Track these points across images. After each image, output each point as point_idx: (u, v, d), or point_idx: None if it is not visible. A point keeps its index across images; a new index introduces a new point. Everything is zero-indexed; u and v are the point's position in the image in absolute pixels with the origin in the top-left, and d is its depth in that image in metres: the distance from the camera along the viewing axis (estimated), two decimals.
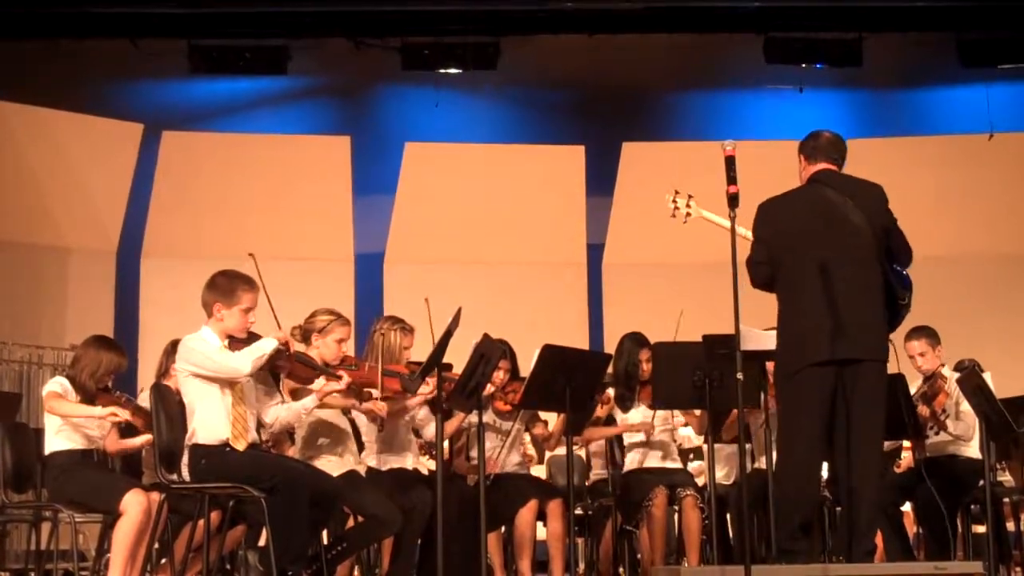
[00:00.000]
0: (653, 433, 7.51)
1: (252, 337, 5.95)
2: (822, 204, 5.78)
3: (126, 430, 6.70)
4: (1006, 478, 8.36)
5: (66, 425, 6.34)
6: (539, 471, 8.58)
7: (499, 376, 7.18)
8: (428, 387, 6.33)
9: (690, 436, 8.65)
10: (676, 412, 7.66)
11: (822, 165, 5.92)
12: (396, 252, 12.48)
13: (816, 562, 5.80)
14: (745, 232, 5.97)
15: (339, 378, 6.17)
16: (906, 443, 8.20)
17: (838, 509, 6.97)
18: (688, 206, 7.69)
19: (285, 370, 6.09)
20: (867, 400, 5.62)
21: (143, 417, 6.50)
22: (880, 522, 5.83)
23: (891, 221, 5.86)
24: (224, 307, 5.88)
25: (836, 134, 6.04)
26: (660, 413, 7.51)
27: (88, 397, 6.38)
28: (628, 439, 7.68)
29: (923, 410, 7.28)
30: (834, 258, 5.66)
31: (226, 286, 5.91)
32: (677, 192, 7.73)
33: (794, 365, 5.60)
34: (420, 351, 6.57)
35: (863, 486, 5.59)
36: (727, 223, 7.15)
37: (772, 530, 5.79)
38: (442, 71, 12.37)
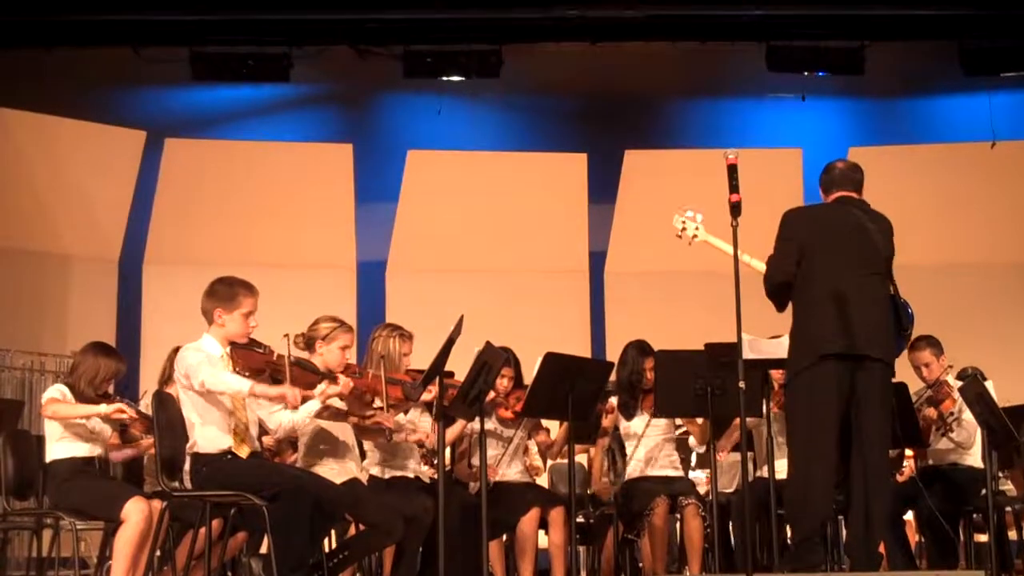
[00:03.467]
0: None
1: (253, 343, 5.95)
2: (848, 219, 5.91)
3: (125, 436, 6.71)
4: (1008, 487, 8.36)
5: (67, 432, 6.34)
6: (541, 479, 8.57)
7: (503, 384, 7.18)
8: (430, 394, 6.32)
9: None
10: (677, 420, 7.67)
11: (839, 192, 6.05)
12: (398, 260, 12.48)
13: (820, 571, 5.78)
14: (750, 260, 6.04)
15: (338, 381, 6.15)
16: (908, 452, 8.18)
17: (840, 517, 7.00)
18: (696, 228, 7.67)
19: (287, 378, 6.07)
20: (877, 402, 5.68)
21: (144, 423, 6.50)
22: (882, 532, 5.82)
23: (894, 251, 6.01)
24: (225, 312, 5.89)
25: (850, 163, 6.19)
26: (661, 422, 7.51)
27: (88, 404, 6.38)
28: (630, 448, 7.66)
29: (931, 412, 7.29)
30: (855, 268, 5.80)
31: (226, 292, 5.93)
32: (688, 213, 7.71)
33: (810, 357, 5.63)
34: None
35: (874, 492, 5.60)
36: (730, 249, 7.18)
37: (790, 538, 5.77)
38: (445, 79, 12.38)
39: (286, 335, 6.02)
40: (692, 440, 8.10)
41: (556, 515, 7.20)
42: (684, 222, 7.55)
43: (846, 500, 5.77)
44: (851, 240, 5.84)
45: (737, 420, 6.74)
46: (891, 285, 5.94)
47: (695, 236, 7.53)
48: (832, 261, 5.79)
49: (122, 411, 6.29)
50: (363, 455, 6.84)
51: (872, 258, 5.85)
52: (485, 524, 6.27)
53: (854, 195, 6.04)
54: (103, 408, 6.28)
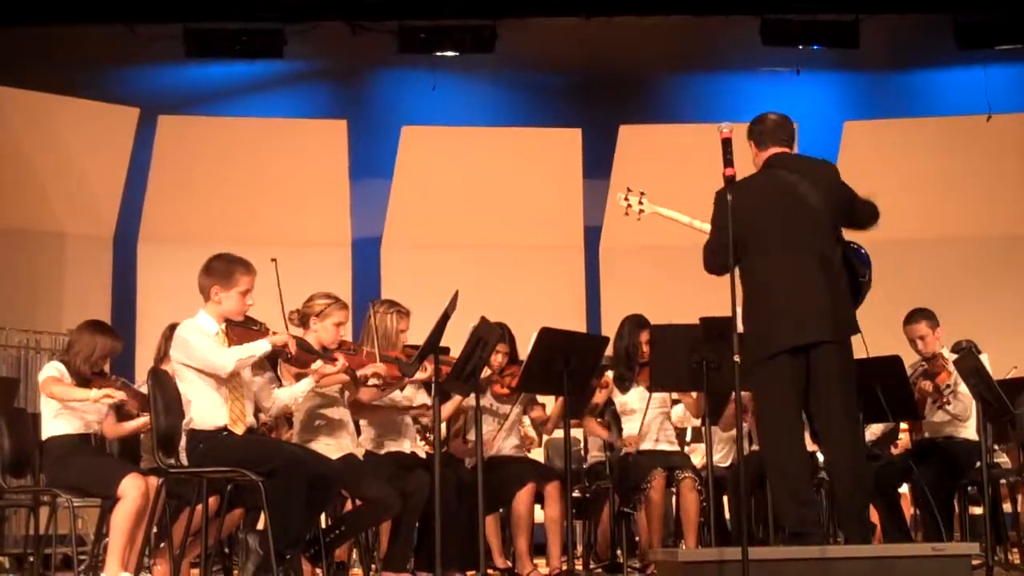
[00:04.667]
0: (634, 449, 7.47)
1: (249, 320, 5.95)
2: (779, 188, 5.77)
3: (121, 414, 6.71)
4: (1003, 460, 8.38)
5: (64, 410, 6.34)
6: (537, 454, 8.59)
7: (497, 359, 7.19)
8: (425, 372, 6.32)
9: (684, 416, 8.64)
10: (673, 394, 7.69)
11: (773, 149, 5.91)
12: (393, 236, 12.47)
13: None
14: (701, 225, 5.99)
15: (335, 360, 6.16)
16: (903, 424, 8.20)
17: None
18: (640, 203, 7.72)
19: (283, 356, 6.08)
20: (837, 383, 5.63)
21: (140, 401, 6.50)
22: (866, 502, 5.83)
23: (850, 192, 5.87)
24: (222, 290, 5.88)
25: (782, 115, 6.03)
26: (656, 395, 7.52)
27: (83, 382, 6.37)
28: (626, 422, 7.68)
29: (926, 385, 7.30)
30: (794, 242, 5.69)
31: (223, 269, 5.91)
32: (629, 190, 7.75)
33: (763, 352, 5.60)
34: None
35: (836, 464, 5.66)
36: (680, 217, 7.15)
37: (783, 513, 5.78)
38: (439, 54, 12.36)
39: (273, 259, 6.00)
40: (680, 411, 8.10)
41: (552, 490, 7.21)
42: (627, 198, 7.60)
43: (829, 478, 5.79)
44: (788, 213, 5.69)
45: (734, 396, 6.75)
46: (841, 242, 5.81)
47: (642, 211, 7.59)
48: (772, 242, 5.68)
49: (110, 396, 6.26)
50: (359, 432, 6.84)
51: (813, 225, 5.68)
52: (482, 499, 6.28)
53: (787, 151, 5.90)
54: (92, 393, 6.25)
